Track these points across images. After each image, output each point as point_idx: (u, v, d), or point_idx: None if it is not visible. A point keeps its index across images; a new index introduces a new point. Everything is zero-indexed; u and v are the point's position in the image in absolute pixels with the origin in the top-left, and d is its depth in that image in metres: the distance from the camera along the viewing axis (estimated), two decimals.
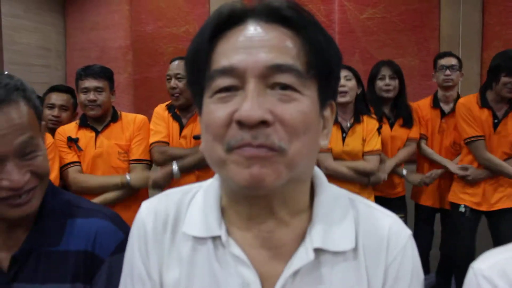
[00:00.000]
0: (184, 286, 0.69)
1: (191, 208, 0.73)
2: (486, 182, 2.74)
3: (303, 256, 0.65)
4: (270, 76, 0.60)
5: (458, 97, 2.97)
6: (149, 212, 0.74)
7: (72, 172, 2.48)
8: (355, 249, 0.68)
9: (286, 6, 0.64)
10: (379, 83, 2.83)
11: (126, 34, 4.17)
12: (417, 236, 3.17)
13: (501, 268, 0.74)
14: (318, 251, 0.66)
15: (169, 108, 2.71)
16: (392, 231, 0.70)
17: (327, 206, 0.69)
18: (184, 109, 2.69)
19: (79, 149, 2.54)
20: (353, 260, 0.67)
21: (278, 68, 0.60)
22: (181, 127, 2.68)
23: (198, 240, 0.70)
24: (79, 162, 2.52)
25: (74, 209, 0.98)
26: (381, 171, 2.69)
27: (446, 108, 2.97)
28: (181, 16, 4.04)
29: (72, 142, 2.54)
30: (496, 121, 2.71)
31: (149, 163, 2.62)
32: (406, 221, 3.04)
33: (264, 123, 0.58)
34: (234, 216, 0.69)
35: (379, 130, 2.65)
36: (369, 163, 2.61)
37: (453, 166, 2.85)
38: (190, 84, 0.69)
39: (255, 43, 0.61)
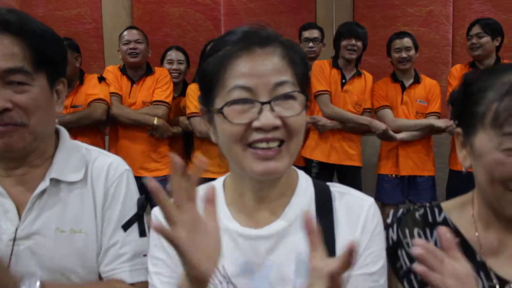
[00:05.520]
0: None
1: None
2: (334, 137, 3.07)
3: (43, 184, 0.97)
4: None
5: None
6: None
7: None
8: (84, 180, 1.00)
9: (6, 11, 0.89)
10: None
11: None
12: None
13: None
14: (56, 181, 0.98)
15: None
16: (111, 166, 1.03)
17: (64, 153, 1.01)
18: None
19: None
20: (82, 187, 1.00)
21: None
22: None
23: None
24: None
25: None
26: None
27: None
28: None
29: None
30: (343, 81, 3.08)
31: None
32: None
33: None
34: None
35: None
36: None
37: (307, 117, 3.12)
38: None
39: None
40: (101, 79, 2.96)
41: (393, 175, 3.12)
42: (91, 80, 2.94)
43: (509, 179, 0.78)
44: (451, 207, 0.94)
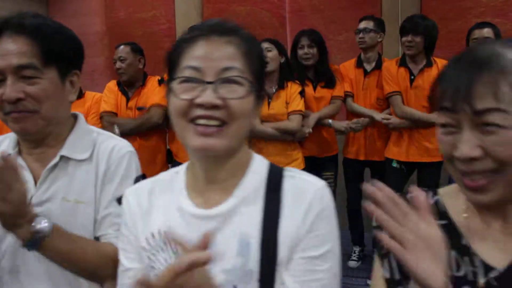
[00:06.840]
0: None
1: None
2: (411, 137, 3.05)
3: (54, 160, 1.13)
4: None
5: (379, 57, 3.27)
6: None
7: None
8: (90, 159, 1.16)
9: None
10: (300, 52, 3.13)
11: (102, 20, 4.56)
12: (347, 193, 3.46)
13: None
14: (66, 158, 1.14)
15: (118, 84, 3.19)
16: (115, 148, 1.17)
17: (76, 136, 1.18)
18: (129, 85, 3.15)
19: None
20: (88, 165, 1.15)
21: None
22: (127, 100, 3.14)
23: None
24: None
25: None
26: (305, 126, 3.03)
27: (368, 67, 3.25)
28: (149, 2, 4.39)
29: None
30: (412, 77, 3.03)
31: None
32: (336, 179, 3.33)
33: None
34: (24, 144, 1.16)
35: (301, 93, 2.98)
36: (292, 122, 2.95)
37: (378, 115, 3.15)
38: None
39: None
40: (161, 81, 3.14)
41: None
42: (151, 83, 3.16)
43: (447, 157, 0.78)
44: (447, 192, 0.93)
